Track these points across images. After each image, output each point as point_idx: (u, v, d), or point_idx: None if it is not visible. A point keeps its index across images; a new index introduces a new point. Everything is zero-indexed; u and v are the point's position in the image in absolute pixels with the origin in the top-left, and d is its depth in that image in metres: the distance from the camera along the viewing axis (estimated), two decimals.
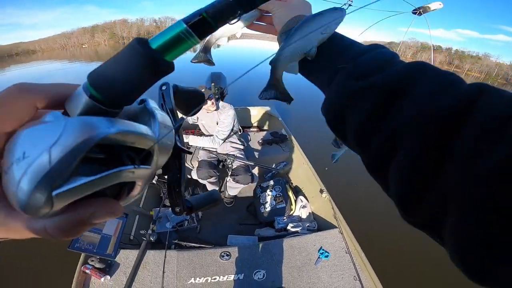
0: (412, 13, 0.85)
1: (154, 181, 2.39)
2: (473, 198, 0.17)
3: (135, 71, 0.16)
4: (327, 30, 0.34)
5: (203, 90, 2.12)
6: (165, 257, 1.53)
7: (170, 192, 0.30)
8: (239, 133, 2.58)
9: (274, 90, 0.40)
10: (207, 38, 0.43)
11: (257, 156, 2.83)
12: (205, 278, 1.49)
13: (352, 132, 0.28)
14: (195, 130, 2.60)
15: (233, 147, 2.39)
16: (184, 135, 2.28)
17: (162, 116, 0.20)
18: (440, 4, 0.85)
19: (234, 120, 2.32)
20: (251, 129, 3.63)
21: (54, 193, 0.13)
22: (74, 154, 0.13)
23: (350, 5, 0.37)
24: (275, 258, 1.64)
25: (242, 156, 2.40)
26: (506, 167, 0.16)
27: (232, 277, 1.51)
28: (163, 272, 1.46)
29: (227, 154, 2.30)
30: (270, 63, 0.39)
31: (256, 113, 3.76)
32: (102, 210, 0.15)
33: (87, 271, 1.37)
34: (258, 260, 1.63)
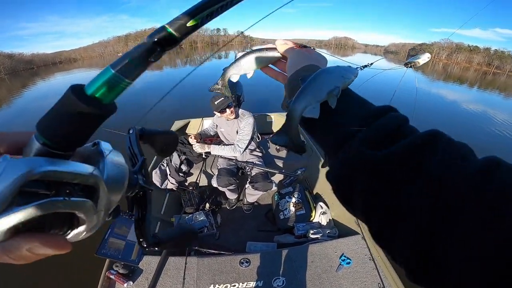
0: (404, 66, 1.02)
1: (174, 188, 2.48)
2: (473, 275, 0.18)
3: (74, 119, 0.18)
4: (345, 81, 0.34)
5: (221, 98, 2.16)
6: (185, 263, 1.56)
7: (137, 227, 0.31)
8: (258, 140, 2.60)
9: (287, 137, 0.36)
10: (224, 73, 0.46)
11: (275, 163, 2.83)
12: (225, 285, 1.50)
13: (361, 202, 0.27)
14: (214, 137, 2.67)
15: (252, 154, 2.41)
16: (205, 144, 2.33)
17: (113, 156, 0.23)
18: (428, 57, 1.03)
19: (254, 128, 2.34)
20: (269, 136, 3.63)
21: None
22: (11, 187, 0.15)
23: (361, 68, 0.45)
24: (294, 265, 1.61)
25: (261, 163, 2.41)
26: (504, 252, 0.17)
27: (251, 284, 1.50)
28: (184, 279, 1.49)
29: (246, 162, 2.33)
30: (283, 107, 0.37)
31: (274, 119, 3.77)
32: (40, 243, 0.17)
33: (112, 276, 1.43)
34: (277, 267, 1.61)
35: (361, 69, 0.42)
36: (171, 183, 2.44)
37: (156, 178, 2.39)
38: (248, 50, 0.44)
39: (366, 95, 0.35)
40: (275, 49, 0.43)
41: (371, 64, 0.58)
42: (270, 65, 0.45)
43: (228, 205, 2.65)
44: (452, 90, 19.24)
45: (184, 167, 2.60)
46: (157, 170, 2.44)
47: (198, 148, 2.29)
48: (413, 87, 2.62)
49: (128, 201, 0.30)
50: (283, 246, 1.87)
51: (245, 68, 0.44)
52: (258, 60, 0.43)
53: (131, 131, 0.33)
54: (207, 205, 2.49)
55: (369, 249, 1.67)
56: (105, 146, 0.23)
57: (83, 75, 26.90)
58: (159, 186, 2.40)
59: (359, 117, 0.30)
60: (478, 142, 6.60)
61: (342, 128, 0.30)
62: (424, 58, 1.01)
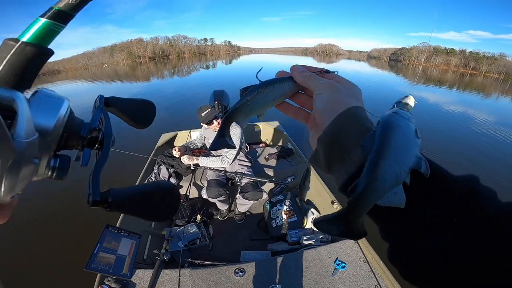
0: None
1: None
2: None
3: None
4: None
5: (208, 110, 2.17)
6: (179, 275, 1.53)
7: (92, 174, 0.25)
8: (246, 150, 2.61)
9: (342, 225, 0.25)
10: (229, 118, 0.35)
11: (265, 172, 2.86)
12: None
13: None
14: (202, 149, 2.64)
15: (241, 164, 2.43)
16: (193, 156, 2.33)
17: (47, 91, 0.23)
18: (414, 101, 1.06)
19: (242, 138, 2.36)
20: (258, 145, 3.66)
21: None
22: None
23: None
24: (290, 272, 1.62)
25: (250, 173, 2.43)
26: None
27: None
28: None
29: (235, 172, 2.34)
30: (344, 188, 0.26)
31: (262, 129, 3.79)
32: None
33: None
34: (273, 275, 1.61)
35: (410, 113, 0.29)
36: None
37: None
38: (254, 85, 0.34)
39: None
40: (290, 78, 0.34)
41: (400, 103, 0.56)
42: (286, 100, 0.36)
43: (220, 216, 2.64)
44: (433, 93, 20.03)
45: (173, 180, 2.58)
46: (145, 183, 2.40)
47: (186, 160, 2.28)
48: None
49: (86, 141, 0.26)
50: (277, 254, 1.88)
51: (255, 109, 0.35)
52: (271, 96, 0.34)
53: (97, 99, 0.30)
54: (198, 216, 2.48)
55: (362, 252, 1.70)
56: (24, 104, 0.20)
57: (67, 87, 26.33)
58: None
59: (445, 197, 0.22)
60: (462, 144, 6.87)
61: (432, 215, 0.22)
62: (410, 102, 1.10)
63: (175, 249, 2.02)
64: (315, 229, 2.25)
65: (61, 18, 0.24)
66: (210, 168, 2.40)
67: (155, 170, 2.58)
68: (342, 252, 1.73)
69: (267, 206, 2.54)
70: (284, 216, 2.34)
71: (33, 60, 0.23)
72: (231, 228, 2.52)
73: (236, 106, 0.35)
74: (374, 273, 1.57)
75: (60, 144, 0.24)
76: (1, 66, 0.21)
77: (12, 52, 0.22)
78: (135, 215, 0.27)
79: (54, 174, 0.23)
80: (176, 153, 2.32)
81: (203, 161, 2.29)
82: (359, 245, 1.75)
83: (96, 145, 0.27)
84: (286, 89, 0.34)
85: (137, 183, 2.33)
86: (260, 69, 0.38)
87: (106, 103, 0.30)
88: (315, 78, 0.32)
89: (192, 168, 2.48)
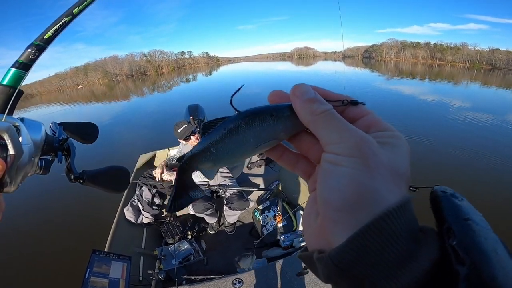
0: None
1: (151, 222, 2.44)
2: None
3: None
4: None
5: (184, 125, 2.14)
6: None
7: (67, 167, 0.42)
8: None
9: None
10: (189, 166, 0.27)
11: (250, 180, 2.86)
12: None
13: None
14: None
15: (224, 176, 2.40)
16: (174, 172, 2.29)
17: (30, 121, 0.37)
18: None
19: None
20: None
21: None
22: None
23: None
24: (288, 276, 1.61)
25: (234, 184, 2.41)
26: None
27: None
28: None
29: (219, 185, 2.31)
30: None
31: None
32: None
33: None
34: (271, 281, 1.59)
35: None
36: (146, 217, 2.38)
37: (129, 214, 2.32)
38: (225, 119, 0.23)
39: None
40: (287, 110, 0.21)
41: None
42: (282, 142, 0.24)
43: (211, 230, 2.62)
44: (407, 85, 21.02)
45: (157, 200, 2.52)
46: (128, 206, 2.37)
47: (167, 176, 2.24)
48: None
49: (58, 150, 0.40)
50: (273, 260, 1.86)
51: (225, 158, 0.24)
52: (253, 140, 0.22)
53: (51, 125, 0.44)
54: (189, 233, 2.44)
55: None
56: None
57: (42, 112, 25.23)
58: (134, 222, 2.34)
59: None
60: (443, 131, 7.21)
61: None
62: None
63: (170, 267, 1.96)
64: None
65: (24, 67, 0.35)
66: None
67: (137, 192, 2.51)
68: None
69: (256, 214, 2.55)
70: (274, 222, 2.36)
71: (11, 95, 0.34)
72: (223, 240, 2.49)
73: (194, 152, 0.25)
74: None
75: (43, 150, 0.37)
76: None
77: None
78: (100, 187, 0.43)
79: (41, 171, 0.37)
80: (155, 171, 2.28)
81: None
82: None
83: (64, 151, 0.40)
84: (280, 130, 0.21)
85: (119, 209, 2.31)
86: (239, 89, 0.23)
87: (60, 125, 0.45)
88: (333, 119, 0.19)
89: (173, 183, 2.43)
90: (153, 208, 2.40)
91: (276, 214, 2.41)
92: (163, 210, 2.55)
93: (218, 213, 2.58)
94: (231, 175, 2.47)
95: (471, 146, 5.82)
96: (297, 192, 2.66)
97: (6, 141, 0.29)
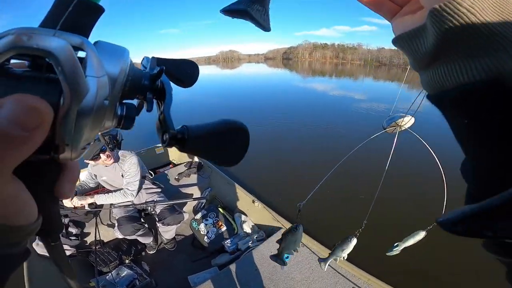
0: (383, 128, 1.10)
1: (73, 253, 2.15)
2: None
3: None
4: None
5: (91, 143, 1.94)
6: None
7: (160, 119, 0.24)
8: (151, 176, 2.47)
9: None
10: None
11: (181, 192, 2.80)
12: None
13: None
14: (99, 189, 2.33)
15: (149, 193, 2.29)
16: (87, 196, 2.05)
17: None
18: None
19: (141, 167, 2.21)
20: (166, 168, 3.47)
21: None
22: None
23: None
24: (243, 279, 1.65)
25: (163, 198, 2.32)
26: None
27: None
28: None
29: (145, 203, 2.19)
30: None
31: (164, 150, 3.60)
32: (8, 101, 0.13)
33: None
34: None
35: None
36: (65, 250, 2.06)
37: (41, 249, 1.90)
38: None
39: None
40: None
41: None
42: None
43: (150, 250, 2.46)
44: (320, 83, 24.06)
45: (73, 230, 2.23)
46: (37, 241, 1.95)
47: (76, 201, 1.96)
48: None
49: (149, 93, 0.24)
50: (224, 266, 1.89)
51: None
52: None
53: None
54: (125, 257, 2.24)
55: None
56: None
57: None
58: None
59: None
60: (350, 121, 8.63)
61: None
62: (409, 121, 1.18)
63: None
64: (248, 232, 2.37)
65: None
66: (114, 207, 2.15)
67: None
68: None
69: (194, 224, 2.52)
70: (214, 229, 2.38)
71: (88, 13, 0.20)
72: (167, 258, 2.38)
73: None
74: (313, 251, 1.75)
75: (124, 92, 0.21)
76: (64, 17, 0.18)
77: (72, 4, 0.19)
78: (208, 158, 0.25)
79: (122, 123, 0.22)
80: (65, 201, 1.97)
81: (101, 199, 2.03)
82: None
83: (156, 93, 0.24)
84: None
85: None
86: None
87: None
88: None
89: (87, 208, 2.13)
90: (70, 239, 2.11)
91: (215, 221, 2.43)
92: (86, 239, 2.28)
93: (153, 231, 2.43)
94: (159, 190, 2.36)
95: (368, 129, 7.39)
96: (230, 195, 2.72)
97: (57, 71, 0.15)
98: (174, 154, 3.67)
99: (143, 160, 2.37)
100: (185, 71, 0.31)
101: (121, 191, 2.08)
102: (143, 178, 2.26)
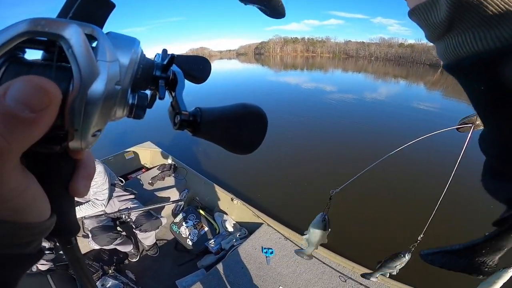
0: (457, 130, 0.98)
1: (51, 268, 2.01)
2: None
3: None
4: None
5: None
6: None
7: (172, 104, 0.23)
8: (122, 183, 2.38)
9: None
10: None
11: (157, 196, 2.71)
12: None
13: None
14: None
15: (121, 200, 2.20)
16: None
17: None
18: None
19: (108, 175, 2.12)
20: (138, 172, 3.31)
21: None
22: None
23: None
24: (231, 278, 1.65)
25: (137, 205, 2.24)
26: None
27: None
28: None
29: (118, 211, 2.11)
30: None
31: (135, 154, 3.45)
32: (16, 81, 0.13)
33: None
34: None
35: None
36: (41, 264, 1.93)
37: None
38: None
39: None
40: None
41: None
42: None
43: (132, 258, 2.37)
44: (293, 76, 24.45)
45: (46, 244, 2.07)
46: None
47: None
48: None
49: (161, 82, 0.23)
50: (211, 267, 1.89)
51: None
52: None
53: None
54: (107, 267, 2.14)
55: (278, 232, 1.87)
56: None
57: None
58: (29, 272, 1.84)
59: None
60: (323, 110, 8.95)
61: None
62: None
63: None
64: (230, 230, 2.32)
65: None
66: (85, 218, 2.06)
67: None
68: (262, 239, 1.86)
69: (174, 228, 2.46)
70: (196, 231, 2.35)
71: (98, 6, 0.19)
72: (151, 264, 2.31)
73: None
74: (297, 245, 1.76)
75: (136, 80, 0.21)
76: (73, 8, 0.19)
77: None
78: (222, 143, 0.23)
79: (133, 112, 0.21)
80: None
81: None
82: (272, 227, 1.91)
83: (168, 82, 0.23)
84: None
85: None
86: None
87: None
88: None
89: None
90: (45, 253, 1.94)
91: (195, 223, 2.39)
92: (61, 253, 2.16)
93: (132, 238, 2.34)
94: (132, 196, 2.27)
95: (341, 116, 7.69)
96: (208, 194, 2.67)
97: (67, 53, 0.15)
98: (145, 157, 3.50)
99: (112, 167, 2.28)
100: (197, 67, 0.31)
101: (89, 202, 1.98)
102: (112, 185, 2.17)
